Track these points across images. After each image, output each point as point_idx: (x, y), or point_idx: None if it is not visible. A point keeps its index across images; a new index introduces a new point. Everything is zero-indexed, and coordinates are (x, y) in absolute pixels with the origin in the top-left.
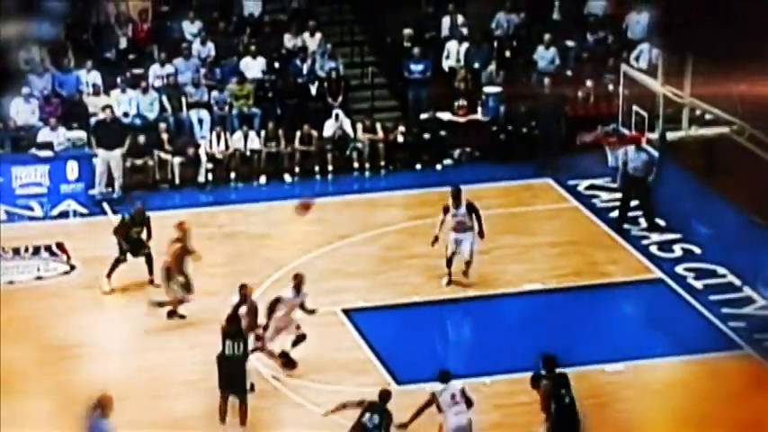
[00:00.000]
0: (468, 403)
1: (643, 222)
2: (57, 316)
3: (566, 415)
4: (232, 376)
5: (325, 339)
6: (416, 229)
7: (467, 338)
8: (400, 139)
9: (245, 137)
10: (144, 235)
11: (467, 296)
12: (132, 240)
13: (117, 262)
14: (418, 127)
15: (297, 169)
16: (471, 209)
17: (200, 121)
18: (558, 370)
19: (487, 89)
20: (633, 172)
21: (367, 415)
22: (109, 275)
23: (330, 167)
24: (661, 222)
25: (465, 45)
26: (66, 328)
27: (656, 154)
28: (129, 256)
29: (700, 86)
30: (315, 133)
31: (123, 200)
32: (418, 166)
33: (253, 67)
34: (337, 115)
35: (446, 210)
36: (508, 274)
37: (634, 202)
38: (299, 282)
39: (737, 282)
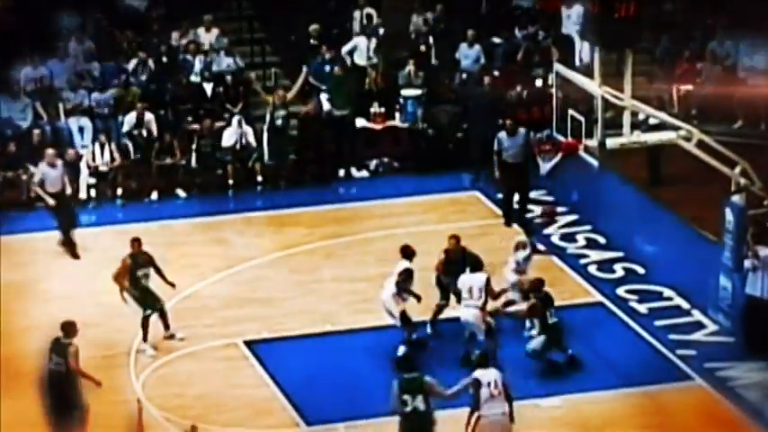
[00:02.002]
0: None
1: (581, 239)
2: None
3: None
4: None
5: (225, 375)
6: (328, 249)
7: (383, 372)
8: None
9: (132, 147)
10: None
11: (385, 324)
12: (142, 289)
13: (144, 321)
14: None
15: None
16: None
17: (81, 130)
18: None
19: (405, 92)
20: (508, 159)
21: None
22: (145, 339)
23: (231, 181)
24: (601, 240)
25: (375, 41)
26: None
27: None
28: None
29: (641, 87)
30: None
31: None
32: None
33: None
34: (239, 121)
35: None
36: (429, 299)
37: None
38: None
39: (686, 305)
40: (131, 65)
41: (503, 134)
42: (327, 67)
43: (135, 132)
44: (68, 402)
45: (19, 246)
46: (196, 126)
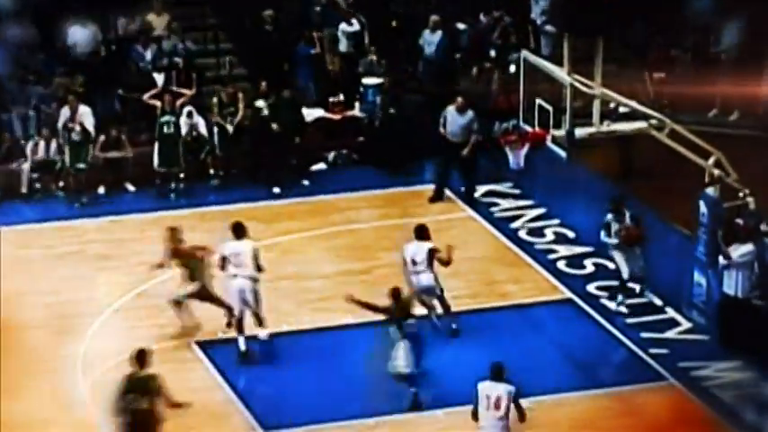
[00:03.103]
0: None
1: (549, 234)
2: None
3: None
4: None
5: (178, 378)
6: (285, 246)
7: (345, 374)
8: None
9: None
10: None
11: (343, 324)
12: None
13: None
14: (298, 128)
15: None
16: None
17: (24, 121)
18: None
19: (366, 80)
20: (452, 137)
21: None
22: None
23: (182, 174)
24: (570, 234)
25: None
26: None
27: (475, 119)
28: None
29: (612, 75)
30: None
31: None
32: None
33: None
34: (190, 112)
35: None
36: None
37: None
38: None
39: (658, 302)
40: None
41: (451, 110)
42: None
43: (69, 126)
44: None
45: None
46: (156, 102)
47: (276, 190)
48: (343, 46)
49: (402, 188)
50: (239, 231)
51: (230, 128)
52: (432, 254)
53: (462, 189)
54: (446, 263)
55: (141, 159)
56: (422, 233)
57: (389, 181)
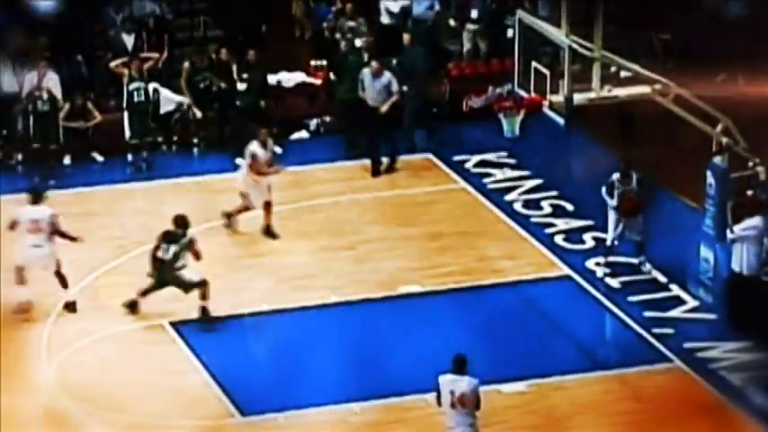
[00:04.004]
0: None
1: (546, 207)
2: None
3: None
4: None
5: (151, 360)
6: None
7: (328, 356)
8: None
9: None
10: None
11: (327, 303)
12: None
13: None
14: (262, 93)
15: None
16: None
17: None
18: None
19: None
20: (371, 102)
21: (163, 247)
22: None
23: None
24: (568, 207)
25: None
26: None
27: (395, 85)
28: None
29: (613, 37)
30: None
31: None
32: None
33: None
34: (156, 89)
35: None
36: (379, 274)
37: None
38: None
39: (663, 278)
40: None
41: (366, 74)
42: None
43: (36, 94)
44: None
45: None
46: (123, 70)
47: (239, 161)
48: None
49: (388, 158)
50: (36, 197)
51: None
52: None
53: (386, 157)
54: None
55: (110, 127)
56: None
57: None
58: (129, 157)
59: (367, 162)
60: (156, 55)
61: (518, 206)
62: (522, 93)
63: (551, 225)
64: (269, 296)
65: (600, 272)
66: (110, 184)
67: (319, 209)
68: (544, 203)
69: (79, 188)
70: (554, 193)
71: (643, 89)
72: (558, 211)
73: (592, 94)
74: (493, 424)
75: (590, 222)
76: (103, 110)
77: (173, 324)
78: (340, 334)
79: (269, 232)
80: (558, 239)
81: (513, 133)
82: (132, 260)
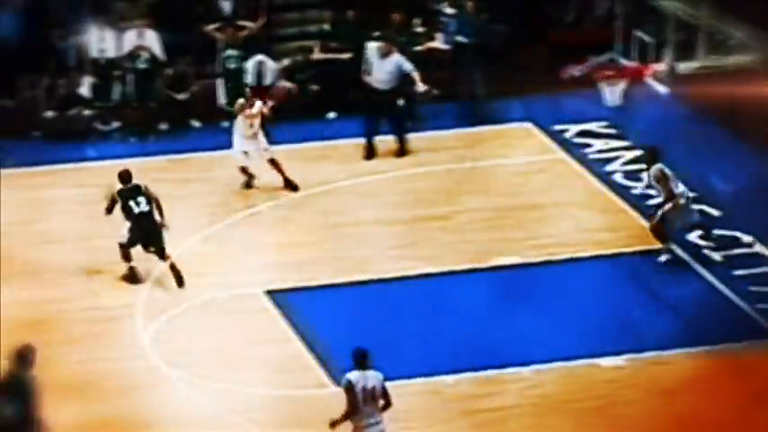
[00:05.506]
0: (386, 405)
1: (647, 178)
2: None
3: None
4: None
5: (245, 329)
6: (362, 188)
7: (425, 327)
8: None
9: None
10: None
11: (424, 273)
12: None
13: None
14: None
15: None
16: None
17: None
18: None
19: (450, 9)
20: (375, 83)
21: (131, 202)
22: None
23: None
24: None
25: None
26: None
27: (407, 64)
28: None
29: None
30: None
31: None
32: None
33: None
34: (261, 62)
35: None
36: (475, 245)
37: None
38: None
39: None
40: None
41: (373, 54)
42: None
43: (136, 53)
44: None
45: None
46: (219, 35)
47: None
48: None
49: (487, 126)
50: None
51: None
52: None
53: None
54: None
55: (207, 93)
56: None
57: (473, 119)
58: (226, 123)
59: (460, 131)
60: (251, 24)
61: (618, 177)
62: (624, 61)
63: (652, 197)
64: (366, 265)
65: (703, 245)
66: (206, 151)
67: (417, 177)
68: (645, 174)
69: (174, 155)
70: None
71: (752, 57)
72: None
73: (697, 63)
74: (589, 398)
75: (692, 195)
76: (201, 75)
77: (268, 292)
78: (435, 305)
79: (289, 185)
80: (659, 211)
81: (615, 103)
82: (227, 228)
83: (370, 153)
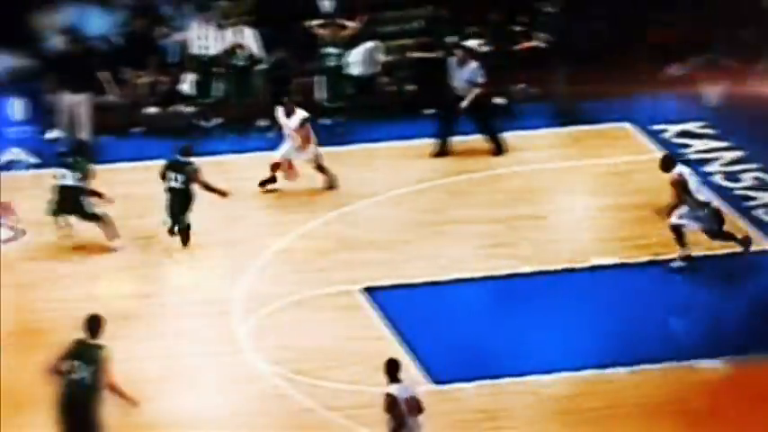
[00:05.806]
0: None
1: (747, 179)
2: None
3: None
4: None
5: (341, 326)
6: (457, 187)
7: (521, 327)
8: None
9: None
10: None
11: (520, 272)
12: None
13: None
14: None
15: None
16: None
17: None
18: None
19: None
20: (458, 91)
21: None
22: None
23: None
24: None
25: None
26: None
27: (479, 77)
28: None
29: None
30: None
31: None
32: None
33: None
34: (371, 50)
35: None
36: (572, 244)
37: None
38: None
39: None
40: None
41: (452, 62)
42: None
43: (235, 51)
44: None
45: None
46: (320, 32)
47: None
48: None
49: (586, 126)
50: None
51: None
52: None
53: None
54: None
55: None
56: None
57: (570, 118)
58: (327, 121)
59: (557, 130)
60: (352, 24)
61: (718, 178)
62: (725, 61)
63: (752, 198)
64: (461, 263)
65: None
66: None
67: (511, 177)
68: (745, 176)
69: (272, 151)
70: (756, 165)
71: None
72: (759, 184)
73: None
74: (678, 401)
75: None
76: (299, 72)
77: (366, 290)
78: (531, 304)
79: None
80: (759, 213)
81: (714, 103)
82: (323, 225)
83: (441, 152)
